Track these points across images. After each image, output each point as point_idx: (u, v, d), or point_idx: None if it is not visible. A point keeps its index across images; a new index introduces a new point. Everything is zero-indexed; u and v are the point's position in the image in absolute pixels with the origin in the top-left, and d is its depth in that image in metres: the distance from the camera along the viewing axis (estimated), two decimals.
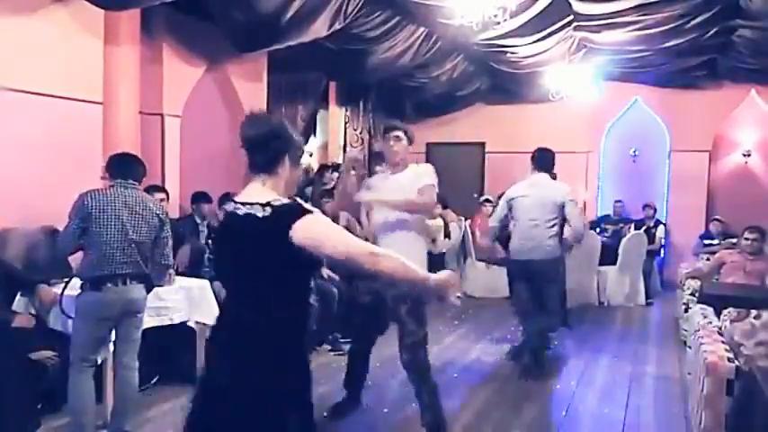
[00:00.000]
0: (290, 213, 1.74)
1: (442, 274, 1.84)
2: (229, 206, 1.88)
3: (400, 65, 6.48)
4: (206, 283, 3.98)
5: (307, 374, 1.91)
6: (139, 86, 4.66)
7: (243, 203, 1.81)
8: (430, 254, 6.79)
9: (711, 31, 5.69)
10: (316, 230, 1.73)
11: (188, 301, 3.69)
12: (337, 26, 4.97)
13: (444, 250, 7.20)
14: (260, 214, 1.75)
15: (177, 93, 5.22)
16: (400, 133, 3.32)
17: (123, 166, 3.02)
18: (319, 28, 4.90)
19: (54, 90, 4.07)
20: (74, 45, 4.16)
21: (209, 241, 4.38)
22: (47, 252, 3.83)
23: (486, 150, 9.31)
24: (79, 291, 2.90)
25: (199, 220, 4.93)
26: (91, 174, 4.00)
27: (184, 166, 5.30)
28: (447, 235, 7.21)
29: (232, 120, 6.22)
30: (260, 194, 1.81)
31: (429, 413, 3.26)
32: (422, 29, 5.95)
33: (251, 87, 6.19)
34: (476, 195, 8.67)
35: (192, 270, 4.30)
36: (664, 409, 3.90)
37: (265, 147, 1.82)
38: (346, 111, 8.05)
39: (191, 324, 3.81)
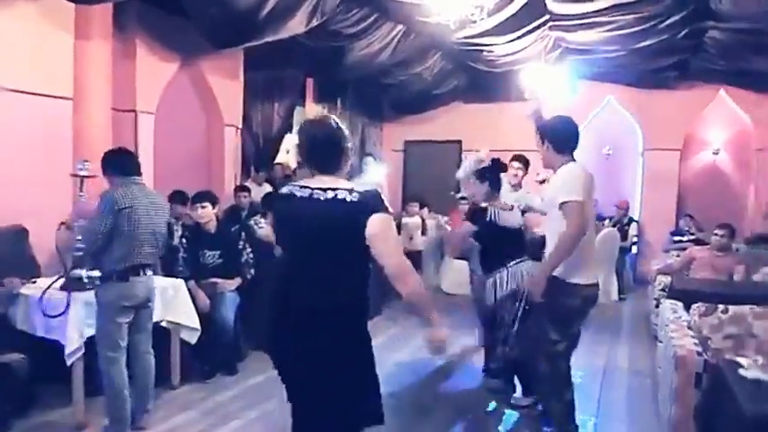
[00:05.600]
0: (375, 203, 1.93)
1: (438, 333, 2.08)
2: (301, 191, 1.99)
3: (378, 62, 6.47)
4: (180, 282, 3.93)
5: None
6: (112, 82, 4.57)
7: (322, 189, 1.95)
8: (407, 252, 6.88)
9: (683, 32, 5.81)
10: (381, 229, 1.90)
11: (161, 301, 3.64)
12: (315, 23, 4.95)
13: (422, 248, 7.23)
14: (348, 198, 1.92)
15: (151, 89, 5.13)
16: None
17: (130, 163, 3.17)
18: (297, 24, 4.86)
19: (22, 85, 3.96)
20: (43, 40, 4.06)
21: (183, 240, 4.32)
22: (15, 251, 3.74)
23: (464, 148, 9.36)
24: (101, 283, 3.04)
25: (173, 220, 4.86)
26: (61, 172, 3.92)
27: (158, 164, 5.21)
28: (424, 233, 7.25)
29: (207, 117, 6.15)
30: (336, 183, 1.98)
31: (558, 427, 3.08)
32: (400, 26, 5.96)
33: (227, 84, 6.12)
34: (452, 193, 8.71)
35: (166, 270, 4.25)
36: (635, 402, 3.99)
37: (332, 146, 2.03)
38: (324, 108, 8.02)
39: (164, 324, 3.76)
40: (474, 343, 5.08)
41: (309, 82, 7.73)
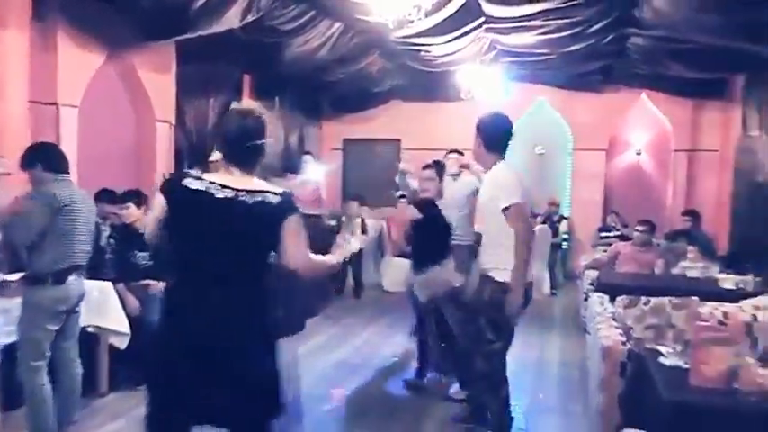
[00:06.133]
0: (292, 204, 1.92)
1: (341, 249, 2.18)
2: (223, 192, 1.85)
3: (317, 59, 6.41)
4: (108, 285, 3.76)
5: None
6: (30, 74, 4.29)
7: (248, 191, 1.86)
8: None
9: (608, 38, 6.11)
10: (296, 230, 1.91)
11: (87, 305, 3.45)
12: (251, 17, 4.84)
13: (362, 246, 7.24)
14: (274, 201, 1.88)
15: (74, 81, 4.85)
16: None
17: (60, 159, 3.02)
18: (232, 18, 4.74)
19: None
20: None
21: (110, 240, 4.13)
22: None
23: (402, 147, 9.43)
24: (30, 286, 2.88)
25: (100, 220, 4.63)
26: None
27: (83, 161, 4.94)
28: (364, 231, 7.25)
29: (138, 112, 5.88)
30: (258, 184, 1.92)
31: (496, 422, 3.15)
32: (338, 24, 5.93)
33: (158, 78, 5.88)
34: (392, 191, 8.76)
35: (91, 272, 4.04)
36: (566, 393, 4.16)
37: (260, 141, 1.94)
38: (261, 105, 7.85)
39: (90, 330, 3.58)
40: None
41: (246, 78, 7.55)
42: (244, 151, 1.93)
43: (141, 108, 5.86)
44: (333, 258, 2.13)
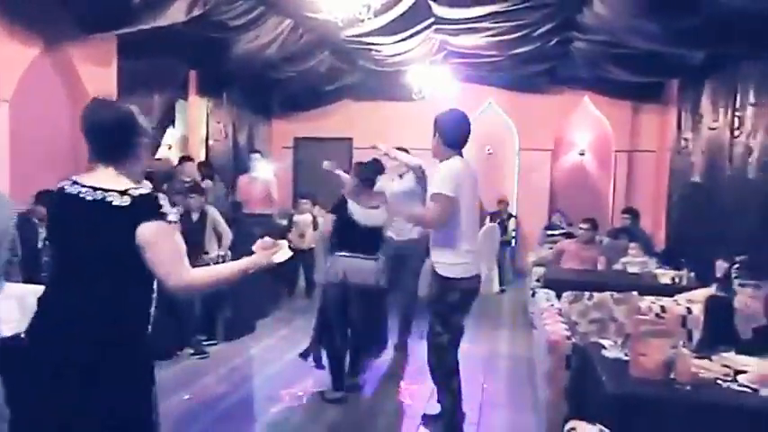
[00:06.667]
0: (147, 210, 1.68)
1: (255, 257, 1.90)
2: (71, 188, 1.73)
3: (266, 56, 6.31)
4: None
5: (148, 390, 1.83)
6: None
7: (92, 187, 1.70)
8: (299, 249, 6.79)
9: (553, 41, 6.29)
10: (152, 238, 1.67)
11: (21, 311, 3.26)
12: (197, 12, 4.71)
13: (314, 245, 7.17)
14: (116, 202, 1.67)
15: (5, 74, 4.58)
16: None
17: None
18: (176, 12, 4.60)
19: None
20: None
21: (48, 242, 3.93)
22: None
23: (354, 146, 9.42)
24: None
25: (36, 221, 4.41)
26: None
27: (17, 159, 4.68)
28: (316, 229, 7.19)
29: (75, 108, 5.62)
30: (113, 180, 1.72)
31: (447, 416, 3.24)
32: (288, 21, 5.85)
33: (98, 73, 5.63)
34: (342, 191, 8.73)
35: (29, 275, 3.84)
36: (515, 388, 4.26)
37: (111, 134, 1.75)
38: (209, 102, 7.66)
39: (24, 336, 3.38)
40: None
41: (193, 74, 7.34)
42: (100, 145, 1.77)
43: (80, 104, 5.57)
44: (238, 266, 1.87)
